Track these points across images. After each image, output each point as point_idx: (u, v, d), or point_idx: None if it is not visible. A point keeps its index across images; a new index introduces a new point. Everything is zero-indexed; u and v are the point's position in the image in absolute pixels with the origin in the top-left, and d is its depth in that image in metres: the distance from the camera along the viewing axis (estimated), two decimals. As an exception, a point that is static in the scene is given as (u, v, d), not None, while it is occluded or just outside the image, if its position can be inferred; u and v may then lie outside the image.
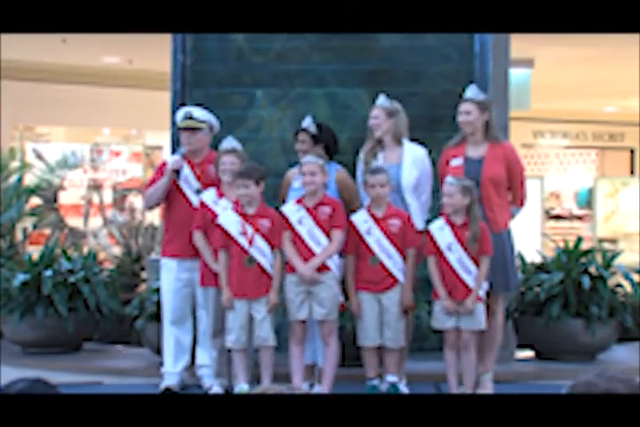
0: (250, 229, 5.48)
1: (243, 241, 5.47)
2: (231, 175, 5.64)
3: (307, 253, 5.45)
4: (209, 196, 5.74)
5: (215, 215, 5.61)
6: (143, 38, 8.31)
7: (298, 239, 5.47)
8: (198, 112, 5.95)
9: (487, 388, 5.68)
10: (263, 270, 5.49)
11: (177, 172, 5.81)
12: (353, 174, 5.96)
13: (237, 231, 5.48)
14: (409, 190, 5.66)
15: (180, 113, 5.97)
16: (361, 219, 5.53)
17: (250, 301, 5.49)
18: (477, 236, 5.41)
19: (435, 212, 5.83)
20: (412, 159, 5.70)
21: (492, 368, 5.72)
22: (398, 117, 5.75)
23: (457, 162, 5.67)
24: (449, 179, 5.47)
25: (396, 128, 5.74)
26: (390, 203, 5.55)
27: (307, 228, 5.47)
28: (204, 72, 6.98)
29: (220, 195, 5.72)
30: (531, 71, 11.48)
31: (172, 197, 5.88)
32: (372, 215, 5.51)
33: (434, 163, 5.85)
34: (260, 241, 5.48)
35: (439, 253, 5.48)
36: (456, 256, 5.43)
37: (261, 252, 5.48)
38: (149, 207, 6.11)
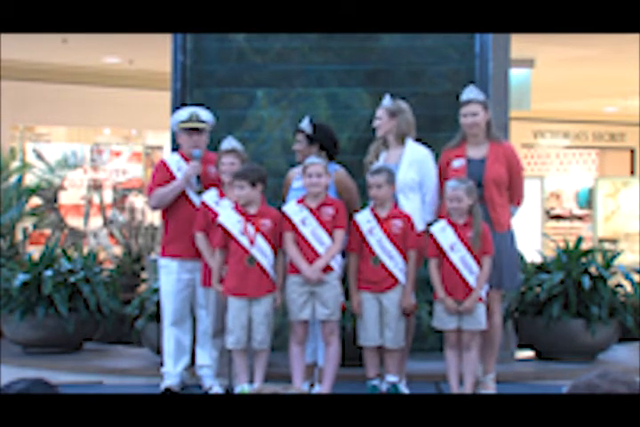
0: (251, 229, 5.48)
1: (244, 240, 5.47)
2: (230, 175, 5.64)
3: (310, 254, 5.44)
4: (210, 196, 5.73)
5: (217, 216, 5.61)
6: (143, 38, 8.33)
7: (301, 240, 5.47)
8: (203, 113, 5.96)
9: (490, 388, 5.68)
10: (263, 270, 5.49)
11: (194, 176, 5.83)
12: (353, 174, 5.95)
13: (238, 231, 5.48)
14: (403, 192, 5.64)
15: (184, 113, 5.95)
16: (364, 218, 5.54)
17: (250, 301, 5.49)
18: (480, 235, 5.42)
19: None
20: (410, 161, 5.67)
21: (494, 368, 5.73)
22: (402, 117, 5.72)
23: (459, 163, 5.66)
24: (452, 182, 5.46)
25: (398, 128, 5.72)
26: (395, 203, 5.56)
27: (310, 228, 5.46)
28: (204, 72, 6.98)
29: (222, 195, 5.72)
30: (531, 71, 11.49)
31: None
32: (375, 215, 5.52)
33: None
34: (261, 241, 5.48)
35: (442, 254, 5.48)
36: (459, 256, 5.44)
37: (262, 252, 5.48)
38: (158, 208, 5.99)
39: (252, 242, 5.47)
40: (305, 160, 5.59)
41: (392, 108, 5.73)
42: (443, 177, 5.69)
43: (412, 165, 5.67)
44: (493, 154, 5.66)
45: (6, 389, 2.49)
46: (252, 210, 5.53)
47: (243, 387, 5.51)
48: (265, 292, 5.49)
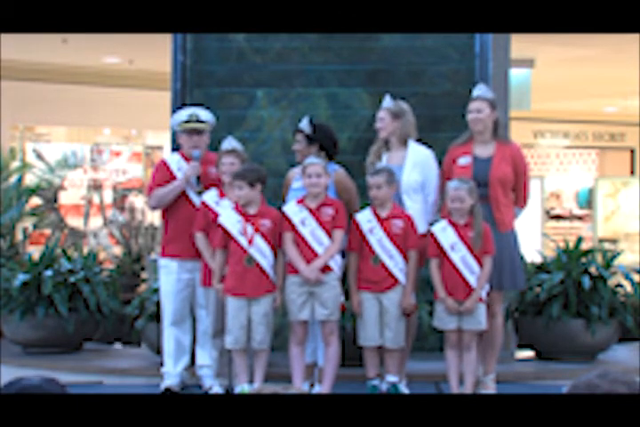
0: (250, 229, 5.48)
1: (242, 241, 5.47)
2: (230, 176, 5.64)
3: (309, 254, 5.44)
4: (210, 196, 5.73)
5: (217, 216, 5.61)
6: (143, 38, 8.33)
7: (300, 240, 5.47)
8: (202, 113, 5.94)
9: (490, 388, 5.68)
10: (262, 271, 5.49)
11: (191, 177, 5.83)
12: (353, 175, 5.94)
13: (237, 231, 5.49)
14: (408, 193, 5.65)
15: (183, 115, 5.94)
16: (365, 218, 5.54)
17: (249, 301, 5.49)
18: (481, 235, 5.42)
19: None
20: (413, 162, 5.67)
21: (494, 369, 5.73)
22: (404, 119, 5.72)
23: (465, 160, 5.67)
24: (454, 183, 5.46)
25: (402, 130, 5.72)
26: (395, 203, 5.56)
27: (309, 229, 5.46)
28: (204, 72, 6.98)
29: (222, 195, 5.72)
30: (531, 71, 11.48)
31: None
32: (376, 215, 5.52)
33: (438, 163, 5.84)
34: (259, 241, 5.48)
35: (443, 254, 5.48)
36: (460, 256, 5.44)
37: (261, 252, 5.48)
38: (157, 208, 6.00)
39: (250, 242, 5.47)
40: (304, 160, 5.59)
41: (395, 109, 5.73)
42: (448, 174, 5.70)
43: (415, 166, 5.67)
44: (500, 153, 5.66)
45: (15, 384, 2.49)
46: (252, 210, 5.53)
47: (243, 387, 5.51)
48: (264, 292, 5.49)
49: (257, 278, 5.47)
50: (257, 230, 5.48)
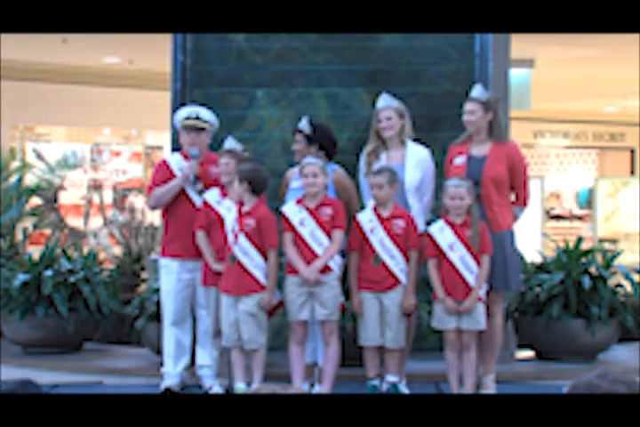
0: (236, 227, 5.50)
1: (230, 238, 5.50)
2: (227, 175, 5.66)
3: (309, 255, 5.44)
4: (212, 195, 5.74)
5: (218, 215, 5.63)
6: (143, 38, 8.33)
7: (300, 240, 5.47)
8: (204, 112, 5.95)
9: (490, 389, 5.68)
10: (245, 270, 5.47)
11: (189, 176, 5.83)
12: (352, 175, 5.95)
13: (230, 228, 5.52)
14: (411, 192, 5.66)
15: (184, 112, 5.94)
16: (366, 218, 5.54)
17: (236, 299, 5.49)
18: (479, 234, 5.42)
19: (436, 212, 5.82)
20: (415, 161, 5.68)
21: (494, 369, 5.72)
22: (407, 118, 5.75)
23: (460, 160, 5.68)
24: (453, 181, 5.46)
25: (405, 128, 5.73)
26: (397, 203, 5.56)
27: (309, 229, 5.46)
28: (204, 72, 6.98)
29: (224, 195, 5.72)
30: (531, 71, 11.49)
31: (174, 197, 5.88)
32: (378, 215, 5.52)
33: (436, 163, 5.85)
34: (243, 240, 5.47)
35: (441, 254, 5.48)
36: (458, 255, 5.44)
37: (243, 251, 5.47)
38: (156, 207, 6.01)
39: (235, 240, 5.48)
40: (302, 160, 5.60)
41: (400, 108, 5.74)
42: (447, 173, 5.70)
43: (417, 165, 5.68)
44: (495, 153, 5.65)
45: None
46: (245, 208, 5.55)
47: (239, 387, 5.50)
48: (247, 291, 5.47)
49: (240, 277, 5.48)
50: (241, 229, 5.49)
